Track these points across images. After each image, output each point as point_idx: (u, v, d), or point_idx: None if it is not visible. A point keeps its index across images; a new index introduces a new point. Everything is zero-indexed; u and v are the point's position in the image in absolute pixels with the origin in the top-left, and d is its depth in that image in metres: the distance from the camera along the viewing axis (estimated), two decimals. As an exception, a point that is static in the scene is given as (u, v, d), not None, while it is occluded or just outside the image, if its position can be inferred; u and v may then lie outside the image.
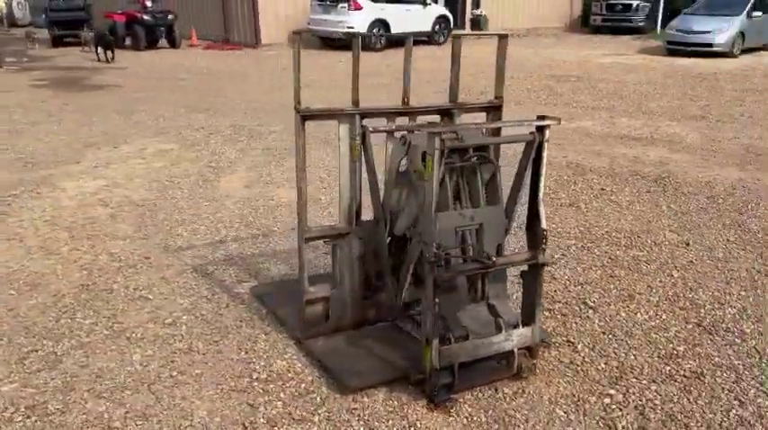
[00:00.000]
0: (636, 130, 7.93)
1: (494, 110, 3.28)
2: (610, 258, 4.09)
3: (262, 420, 2.58)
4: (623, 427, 2.52)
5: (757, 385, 2.79)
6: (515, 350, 2.75)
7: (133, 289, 3.72)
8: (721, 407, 2.64)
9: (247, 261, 4.10)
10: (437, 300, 2.53)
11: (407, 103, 3.16)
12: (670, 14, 23.68)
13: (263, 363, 2.96)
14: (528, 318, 2.79)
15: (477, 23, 22.00)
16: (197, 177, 5.91)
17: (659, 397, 2.70)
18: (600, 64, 15.34)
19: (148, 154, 6.77)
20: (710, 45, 16.46)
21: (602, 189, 5.55)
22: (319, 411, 2.63)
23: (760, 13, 17.36)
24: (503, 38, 3.16)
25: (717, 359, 2.99)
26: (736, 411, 2.61)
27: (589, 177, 5.89)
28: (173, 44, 17.73)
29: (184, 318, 3.39)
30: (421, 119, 3.21)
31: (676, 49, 17.11)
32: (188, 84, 11.87)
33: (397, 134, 2.97)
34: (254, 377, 2.86)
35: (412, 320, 3.26)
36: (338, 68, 14.05)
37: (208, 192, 5.47)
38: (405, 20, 17.48)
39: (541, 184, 2.72)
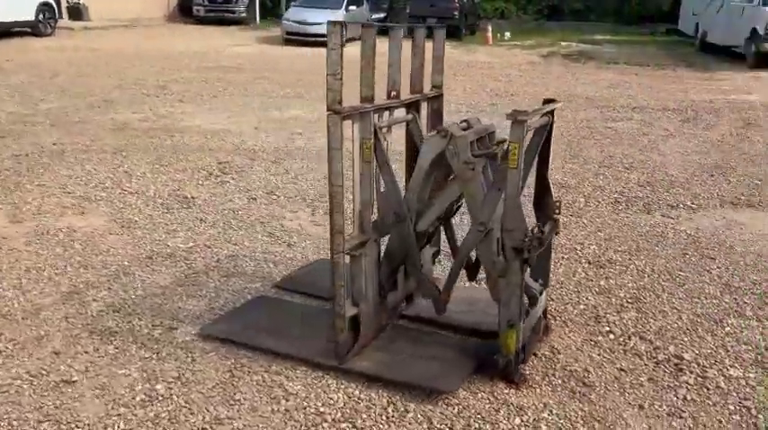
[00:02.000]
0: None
1: (434, 99, 3.39)
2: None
3: (395, 456, 2.32)
4: (645, 350, 3.04)
5: (669, 295, 3.63)
6: (540, 315, 3.02)
7: (34, 376, 2.70)
8: (673, 316, 3.38)
9: (143, 305, 3.32)
10: (524, 282, 2.63)
11: (397, 96, 3.05)
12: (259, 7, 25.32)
13: (320, 403, 2.58)
14: (543, 283, 3.07)
15: (78, 13, 19.93)
16: None
17: (637, 322, 3.30)
18: (242, 53, 15.77)
19: None
20: (324, 35, 18.27)
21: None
22: (435, 425, 2.47)
23: (354, 7, 19.99)
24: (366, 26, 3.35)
25: (629, 285, 3.75)
26: (683, 316, 3.38)
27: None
28: None
29: (159, 387, 2.65)
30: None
31: (294, 38, 18.53)
32: None
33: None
34: (331, 419, 2.49)
35: (402, 316, 3.22)
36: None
37: (-31, 238, 4.09)
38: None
39: (550, 161, 3.01)
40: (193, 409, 2.53)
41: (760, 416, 2.58)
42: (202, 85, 10.66)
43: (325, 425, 2.46)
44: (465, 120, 2.93)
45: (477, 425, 2.49)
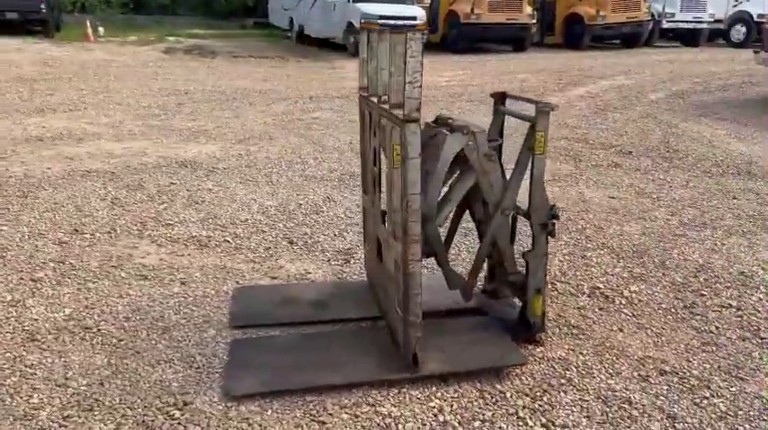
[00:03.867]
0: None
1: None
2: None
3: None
4: (573, 290, 3.70)
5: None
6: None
7: None
8: (551, 261, 4.15)
9: (110, 394, 2.59)
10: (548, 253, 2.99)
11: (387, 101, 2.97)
12: None
13: (431, 415, 2.53)
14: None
15: None
16: None
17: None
18: None
19: None
20: None
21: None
22: (535, 395, 2.69)
23: None
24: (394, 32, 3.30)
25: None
26: (557, 260, 4.17)
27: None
28: None
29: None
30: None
31: None
32: None
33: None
34: (457, 423, 2.48)
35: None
36: None
37: None
38: None
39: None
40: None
41: (679, 311, 3.51)
42: None
43: (460, 430, 2.47)
44: (438, 117, 3.08)
45: (558, 383, 2.79)
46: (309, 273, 3.82)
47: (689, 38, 21.00)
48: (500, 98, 3.30)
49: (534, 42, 19.89)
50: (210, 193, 5.20)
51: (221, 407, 2.53)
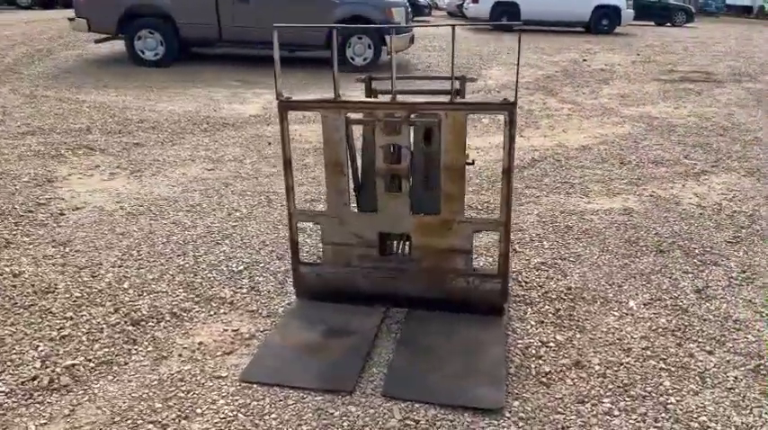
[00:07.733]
0: None
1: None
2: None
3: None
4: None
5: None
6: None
7: None
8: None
9: None
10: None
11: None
12: None
13: (559, 322, 3.04)
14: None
15: None
16: None
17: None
18: None
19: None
20: None
21: None
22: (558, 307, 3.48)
23: None
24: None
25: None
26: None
27: None
28: None
29: None
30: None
31: None
32: None
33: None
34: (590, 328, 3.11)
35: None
36: None
37: None
38: None
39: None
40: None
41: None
42: None
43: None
44: None
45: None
46: (236, 329, 3.12)
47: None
48: (369, 80, 3.54)
49: None
50: None
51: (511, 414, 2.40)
